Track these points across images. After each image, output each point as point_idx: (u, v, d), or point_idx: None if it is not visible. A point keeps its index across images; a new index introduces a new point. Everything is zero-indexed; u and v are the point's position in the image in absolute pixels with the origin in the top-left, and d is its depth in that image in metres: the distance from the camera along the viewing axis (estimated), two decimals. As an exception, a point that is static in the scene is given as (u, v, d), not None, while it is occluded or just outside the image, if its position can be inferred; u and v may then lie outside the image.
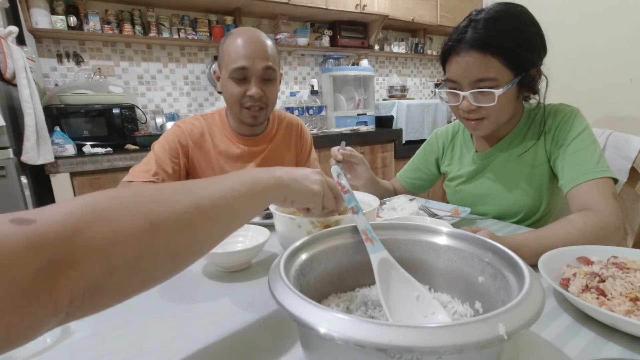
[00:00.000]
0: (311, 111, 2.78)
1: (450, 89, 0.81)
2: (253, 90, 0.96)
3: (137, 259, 0.30)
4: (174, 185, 0.37)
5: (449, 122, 2.30)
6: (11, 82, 1.59)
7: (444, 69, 0.83)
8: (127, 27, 2.23)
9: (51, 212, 0.27)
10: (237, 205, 0.40)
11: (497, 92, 0.73)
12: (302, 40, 2.80)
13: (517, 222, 0.89)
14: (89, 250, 0.27)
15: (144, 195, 0.33)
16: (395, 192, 1.13)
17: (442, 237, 0.47)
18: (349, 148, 0.90)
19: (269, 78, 0.99)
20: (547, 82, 0.79)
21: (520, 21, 0.75)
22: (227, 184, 0.40)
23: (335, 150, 0.88)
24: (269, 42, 0.99)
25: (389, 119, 2.99)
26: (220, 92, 1.05)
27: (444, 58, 0.81)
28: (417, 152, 1.13)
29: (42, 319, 0.25)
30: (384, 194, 1.05)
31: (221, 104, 2.68)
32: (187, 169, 1.05)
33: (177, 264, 0.35)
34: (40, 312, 0.25)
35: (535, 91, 0.81)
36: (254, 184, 0.42)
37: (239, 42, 0.95)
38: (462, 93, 0.78)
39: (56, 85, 2.17)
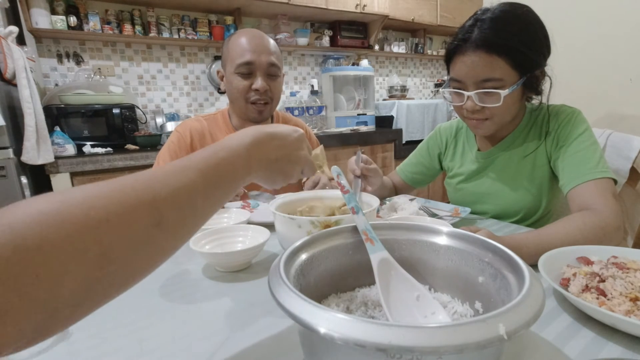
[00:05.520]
0: (311, 111, 2.78)
1: (454, 88, 0.80)
2: (259, 83, 0.99)
3: (85, 293, 0.26)
4: (135, 183, 0.30)
5: (449, 122, 2.29)
6: (11, 82, 1.59)
7: (448, 68, 0.83)
8: (127, 27, 2.23)
9: None
10: (205, 205, 0.34)
11: (503, 92, 0.73)
12: (302, 40, 2.79)
13: (516, 222, 0.89)
14: (24, 303, 0.22)
15: (97, 213, 0.26)
16: (394, 187, 1.13)
17: (442, 237, 0.47)
18: (364, 157, 0.86)
19: (274, 74, 1.03)
20: (551, 83, 0.79)
21: (527, 21, 0.75)
22: (193, 176, 0.33)
23: (353, 163, 0.84)
24: (272, 41, 1.05)
25: (389, 119, 2.99)
26: (222, 92, 1.07)
27: (449, 57, 0.81)
28: (419, 146, 1.13)
29: None
30: (387, 194, 1.06)
31: (221, 104, 2.69)
32: None
33: (129, 285, 0.30)
34: None
35: (539, 92, 0.81)
36: (227, 172, 0.37)
37: (244, 39, 1.00)
38: (466, 93, 0.77)
39: (56, 85, 2.17)
